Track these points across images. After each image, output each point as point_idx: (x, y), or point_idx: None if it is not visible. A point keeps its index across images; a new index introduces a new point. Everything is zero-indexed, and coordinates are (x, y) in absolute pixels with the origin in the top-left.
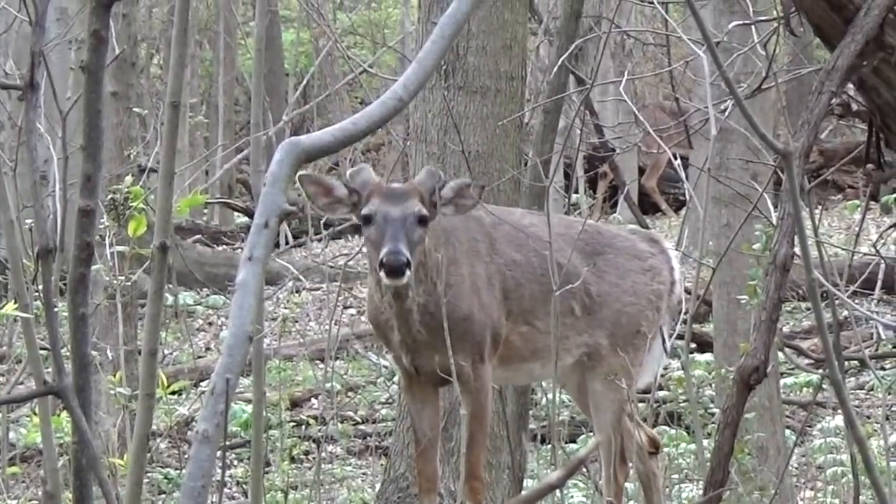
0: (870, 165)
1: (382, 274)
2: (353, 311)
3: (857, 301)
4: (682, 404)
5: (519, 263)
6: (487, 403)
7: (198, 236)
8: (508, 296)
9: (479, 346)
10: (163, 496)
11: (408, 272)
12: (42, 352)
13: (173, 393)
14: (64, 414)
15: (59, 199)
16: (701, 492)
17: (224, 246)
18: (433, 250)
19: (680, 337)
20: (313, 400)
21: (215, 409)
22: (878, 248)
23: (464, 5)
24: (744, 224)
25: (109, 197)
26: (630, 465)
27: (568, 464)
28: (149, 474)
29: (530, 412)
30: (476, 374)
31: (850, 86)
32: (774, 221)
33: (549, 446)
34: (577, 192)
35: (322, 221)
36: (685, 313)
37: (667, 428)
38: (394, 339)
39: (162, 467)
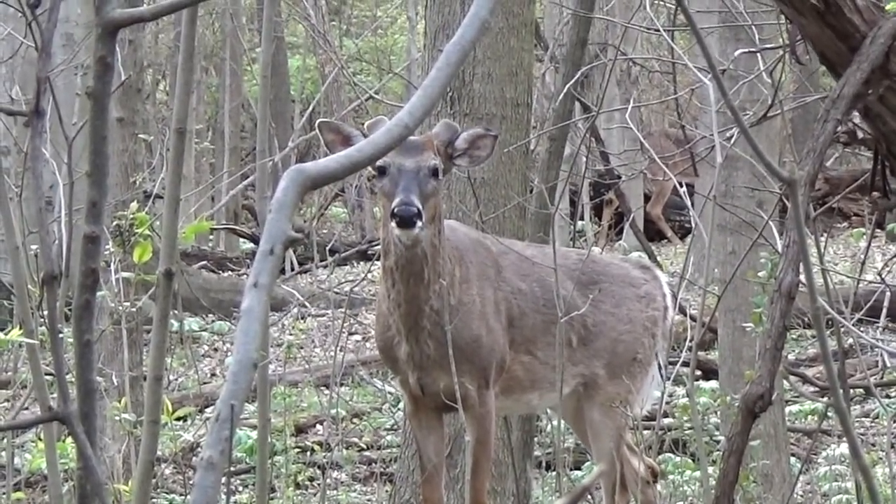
0: (875, 193)
1: (393, 224)
2: (358, 337)
3: (862, 329)
4: (687, 431)
5: (524, 293)
6: (492, 429)
7: (203, 262)
8: (513, 324)
9: (485, 371)
10: None
11: (419, 223)
12: (47, 378)
13: (178, 419)
14: (69, 440)
15: (65, 225)
16: None
17: (229, 272)
18: (446, 246)
19: (685, 364)
20: (318, 426)
21: (220, 435)
22: (883, 275)
23: (469, 32)
24: (749, 251)
25: (115, 223)
26: (629, 494)
27: (572, 491)
28: (154, 500)
29: (535, 439)
30: (481, 399)
31: (856, 113)
32: (780, 249)
33: (554, 473)
34: (582, 219)
35: (327, 248)
36: (690, 340)
37: (671, 455)
38: (401, 355)
39: (167, 493)
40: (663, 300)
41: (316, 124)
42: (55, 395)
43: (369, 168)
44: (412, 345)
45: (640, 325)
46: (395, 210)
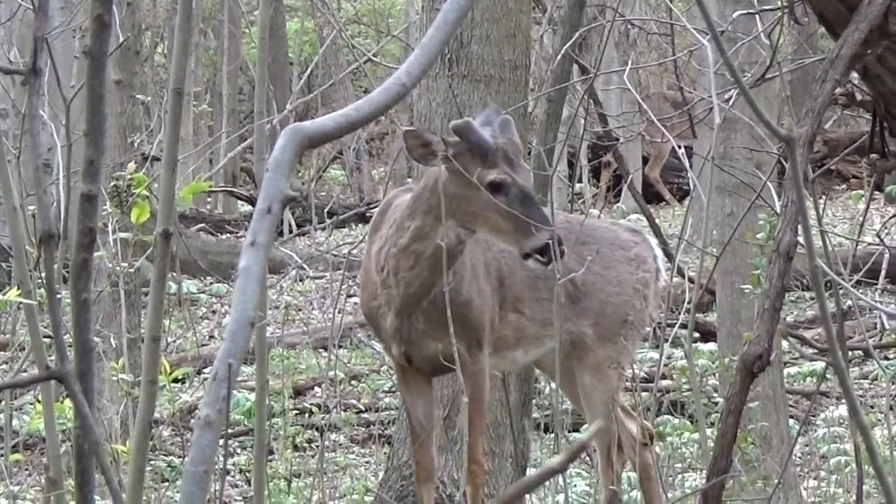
0: (874, 155)
1: (534, 259)
2: (356, 299)
3: (860, 290)
4: (685, 393)
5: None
6: (485, 387)
7: (201, 225)
8: (503, 283)
9: (478, 332)
10: (166, 483)
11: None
12: (45, 339)
13: (176, 381)
14: (67, 401)
15: (63, 187)
16: (704, 481)
17: (228, 234)
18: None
19: (683, 326)
20: (316, 388)
21: (217, 394)
22: (882, 237)
23: None
24: (747, 213)
25: (112, 184)
26: (625, 456)
27: (569, 449)
28: (152, 462)
29: (533, 401)
30: (473, 359)
31: (855, 75)
32: (778, 210)
33: (553, 435)
34: (580, 181)
35: (326, 210)
36: (688, 302)
37: (670, 417)
38: (386, 326)
39: (165, 455)
40: (654, 262)
41: (403, 134)
42: (53, 356)
43: (484, 185)
44: (402, 320)
45: (629, 287)
46: (546, 247)
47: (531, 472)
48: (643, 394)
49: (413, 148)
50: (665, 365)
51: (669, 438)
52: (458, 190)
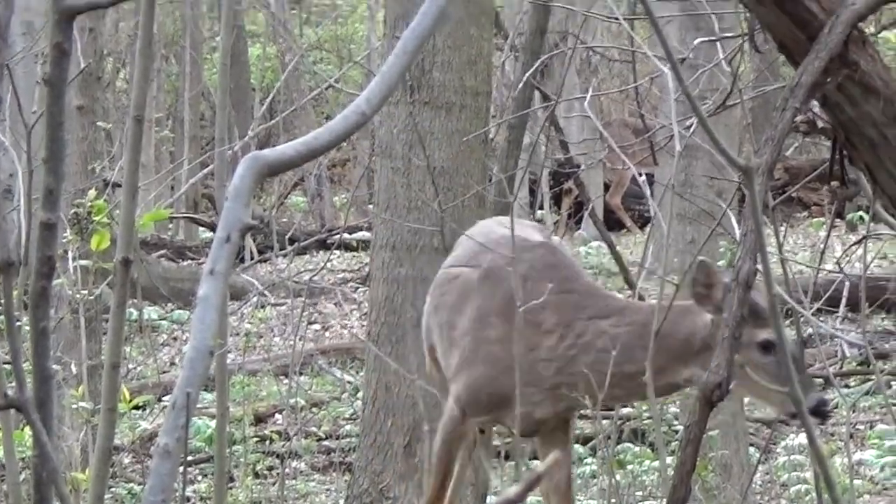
0: (834, 183)
1: (805, 419)
2: (317, 326)
3: (821, 318)
4: (645, 421)
5: None
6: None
7: (163, 251)
8: None
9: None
10: None
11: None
12: (4, 366)
13: (137, 408)
14: (27, 429)
15: (24, 214)
16: None
17: (189, 261)
18: None
19: None
20: (277, 415)
21: (176, 423)
22: (842, 265)
23: (427, 20)
24: (708, 241)
25: (73, 211)
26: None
27: (526, 478)
28: (112, 489)
29: (493, 429)
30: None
31: (815, 102)
32: (738, 238)
33: (513, 463)
34: (541, 208)
35: (287, 237)
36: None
37: (631, 445)
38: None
39: (125, 482)
40: None
41: (697, 266)
42: (13, 383)
43: (758, 343)
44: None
45: None
46: (823, 409)
47: (491, 500)
48: (604, 422)
49: (698, 282)
50: None
51: (630, 466)
52: None
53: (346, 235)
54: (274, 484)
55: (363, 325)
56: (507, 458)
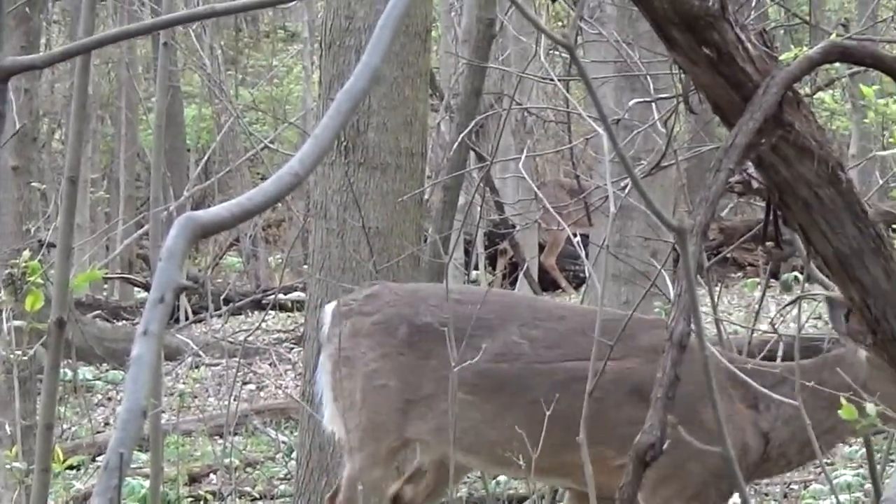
0: (769, 243)
1: None
2: (251, 386)
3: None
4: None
5: None
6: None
7: (98, 311)
8: None
9: None
10: None
11: None
12: None
13: (71, 468)
14: None
15: None
16: None
17: (124, 321)
18: None
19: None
20: (212, 475)
21: (109, 483)
22: (776, 325)
23: (361, 81)
24: (642, 301)
25: (7, 271)
26: None
27: None
28: None
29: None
30: None
31: (750, 163)
32: (672, 298)
33: None
34: (476, 268)
35: (222, 297)
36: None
37: None
38: None
39: None
40: None
41: (828, 298)
42: None
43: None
44: None
45: None
46: None
47: None
48: (538, 483)
49: (838, 318)
50: None
51: None
52: (887, 388)
53: (280, 296)
54: None
55: (297, 386)
56: None
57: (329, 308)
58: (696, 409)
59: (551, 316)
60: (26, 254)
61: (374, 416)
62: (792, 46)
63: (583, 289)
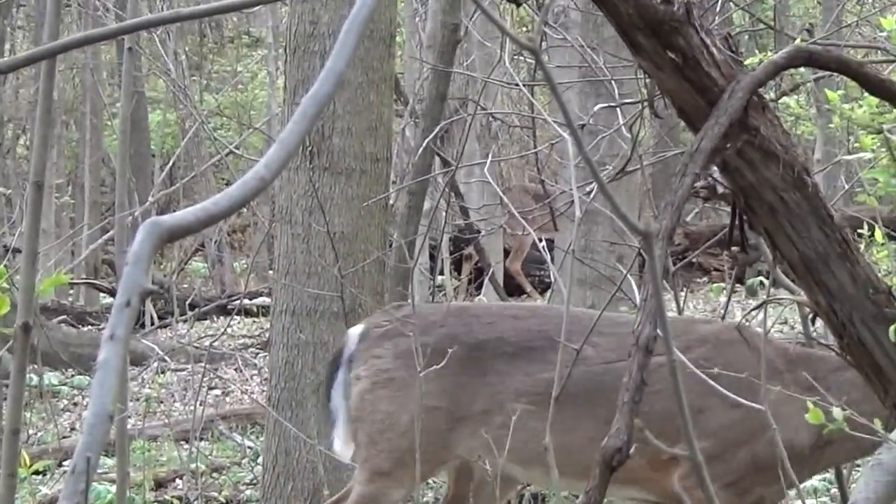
0: (734, 248)
1: None
2: (217, 391)
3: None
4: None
5: None
6: None
7: (63, 316)
8: None
9: None
10: None
11: None
12: None
13: (37, 473)
14: None
15: None
16: None
17: (89, 326)
18: None
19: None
20: (178, 480)
21: (75, 488)
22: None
23: (325, 86)
24: (608, 306)
25: None
26: None
27: None
28: None
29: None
30: None
31: (715, 168)
32: (638, 303)
33: None
34: (441, 273)
35: (187, 302)
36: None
37: None
38: None
39: None
40: None
41: None
42: None
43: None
44: None
45: None
46: None
47: None
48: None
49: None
50: None
51: None
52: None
53: (246, 301)
54: None
55: (263, 391)
56: None
57: (356, 331)
58: (756, 393)
59: (613, 323)
60: None
61: (422, 437)
62: (757, 51)
63: (548, 294)
